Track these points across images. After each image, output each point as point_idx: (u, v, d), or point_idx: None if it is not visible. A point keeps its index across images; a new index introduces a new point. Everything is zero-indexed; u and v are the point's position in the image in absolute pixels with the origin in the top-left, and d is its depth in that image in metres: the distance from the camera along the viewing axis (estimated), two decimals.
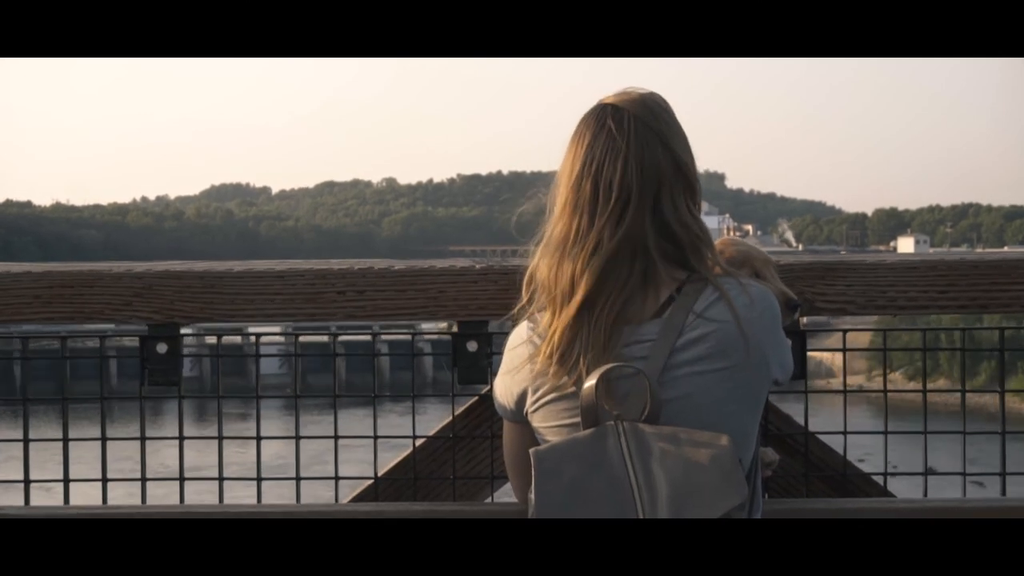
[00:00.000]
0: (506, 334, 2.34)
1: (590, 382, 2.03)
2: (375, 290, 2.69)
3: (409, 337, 2.88)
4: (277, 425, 2.73)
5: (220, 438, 2.71)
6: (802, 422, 2.72)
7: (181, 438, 2.73)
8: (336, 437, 2.72)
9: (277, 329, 2.88)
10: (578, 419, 2.06)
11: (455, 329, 2.70)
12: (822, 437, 2.73)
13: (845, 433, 2.69)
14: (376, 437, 2.70)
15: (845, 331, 2.76)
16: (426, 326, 3.10)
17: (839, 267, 2.67)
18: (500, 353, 2.35)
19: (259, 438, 2.72)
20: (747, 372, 2.09)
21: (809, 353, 2.64)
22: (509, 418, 2.27)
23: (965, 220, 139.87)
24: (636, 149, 2.12)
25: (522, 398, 2.19)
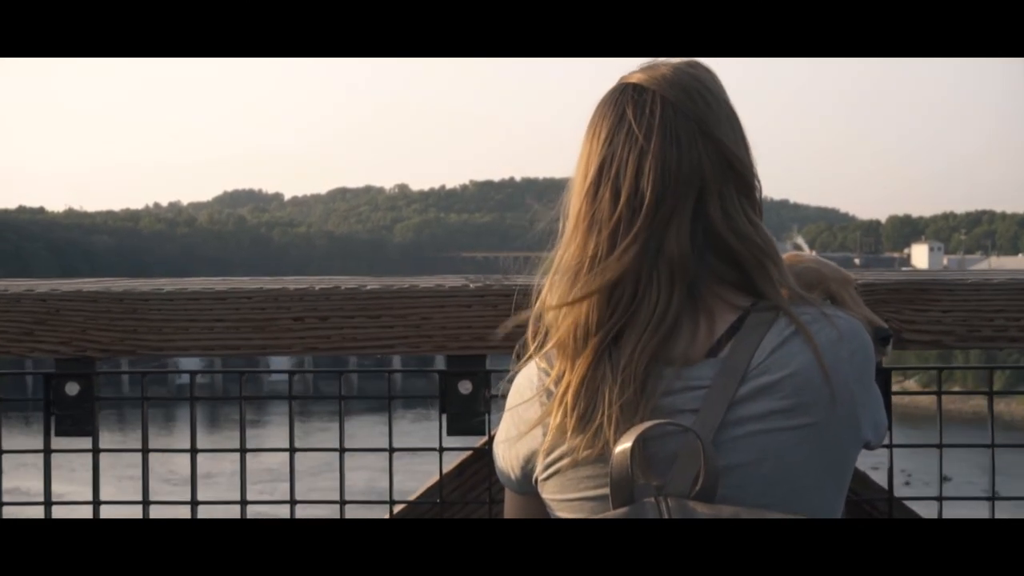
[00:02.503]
0: (506, 371, 1.84)
1: (623, 445, 1.54)
2: (342, 316, 2.12)
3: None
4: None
5: (145, 504, 2.13)
6: (883, 483, 2.14)
7: (100, 503, 2.16)
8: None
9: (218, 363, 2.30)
10: (605, 492, 1.57)
11: (443, 366, 2.14)
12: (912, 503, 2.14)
13: (941, 499, 2.12)
14: (342, 450, 2.12)
15: (940, 369, 2.18)
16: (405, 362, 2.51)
17: (933, 288, 2.10)
18: (500, 397, 1.87)
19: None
20: (832, 431, 1.61)
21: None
22: (513, 488, 1.77)
23: (979, 227, 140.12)
24: (665, 143, 1.66)
25: (530, 463, 1.71)
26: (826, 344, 1.62)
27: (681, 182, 1.65)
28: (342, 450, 2.14)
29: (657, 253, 1.63)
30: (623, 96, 1.70)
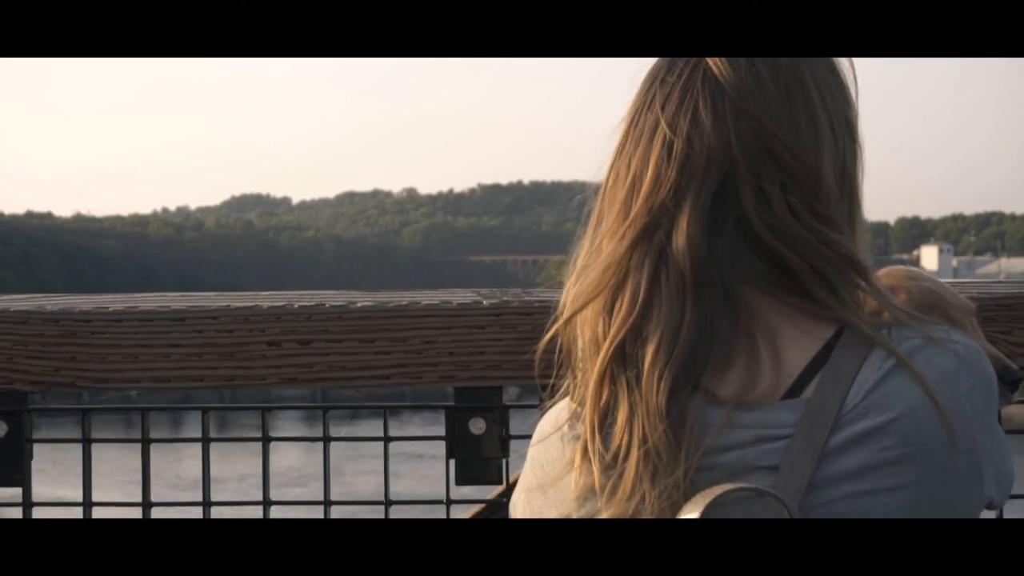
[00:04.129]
0: (527, 406, 1.58)
1: (690, 514, 1.21)
2: (327, 339, 1.74)
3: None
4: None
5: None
6: None
7: None
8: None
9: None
10: None
11: (451, 400, 1.76)
12: None
13: None
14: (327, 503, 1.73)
15: None
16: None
17: None
18: (520, 437, 1.65)
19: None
20: (950, 488, 1.28)
21: None
22: None
23: (988, 228, 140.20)
24: (678, 113, 1.36)
25: None
26: (939, 376, 1.27)
27: (692, 162, 1.34)
28: (327, 503, 1.75)
29: (662, 249, 1.33)
30: (658, 68, 1.41)
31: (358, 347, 1.74)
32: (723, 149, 1.33)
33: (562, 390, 1.40)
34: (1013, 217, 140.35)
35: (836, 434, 1.24)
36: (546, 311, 1.62)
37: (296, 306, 1.74)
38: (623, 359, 1.31)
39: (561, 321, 1.41)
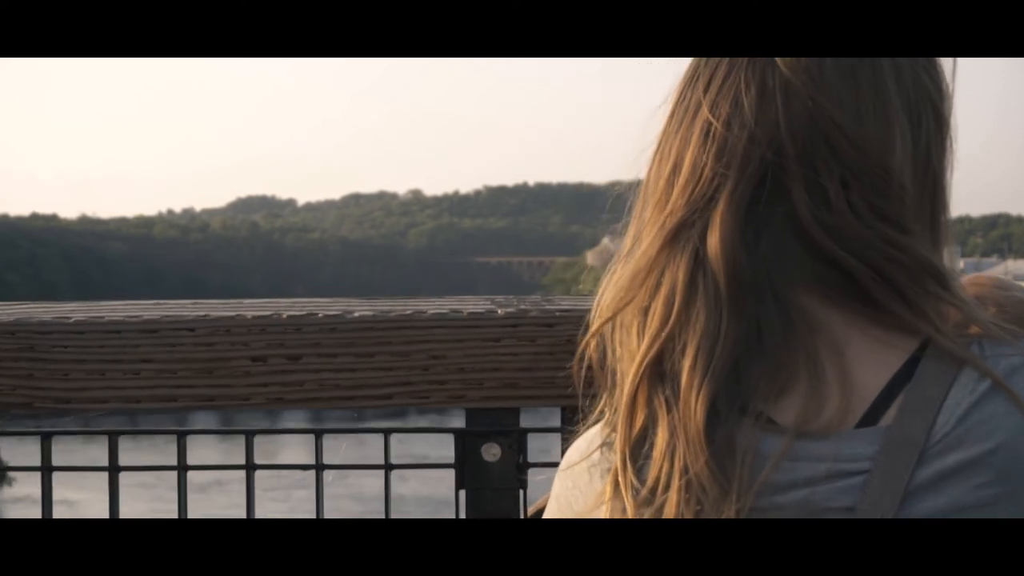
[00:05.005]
0: (548, 430, 1.46)
1: None
2: (320, 354, 1.52)
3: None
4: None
5: None
6: None
7: None
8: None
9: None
10: None
11: (462, 423, 1.55)
12: None
13: None
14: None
15: None
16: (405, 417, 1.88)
17: None
18: (540, 465, 1.49)
19: None
20: None
21: None
22: None
23: (995, 230, 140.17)
24: (720, 96, 1.18)
25: None
26: None
27: (730, 147, 1.15)
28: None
29: (697, 248, 1.14)
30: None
31: (355, 363, 1.52)
32: (769, 134, 1.14)
33: (595, 412, 1.20)
34: (1020, 219, 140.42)
35: (923, 468, 1.04)
36: (569, 321, 1.43)
37: (284, 316, 1.52)
38: (659, 375, 1.11)
39: (592, 331, 1.21)
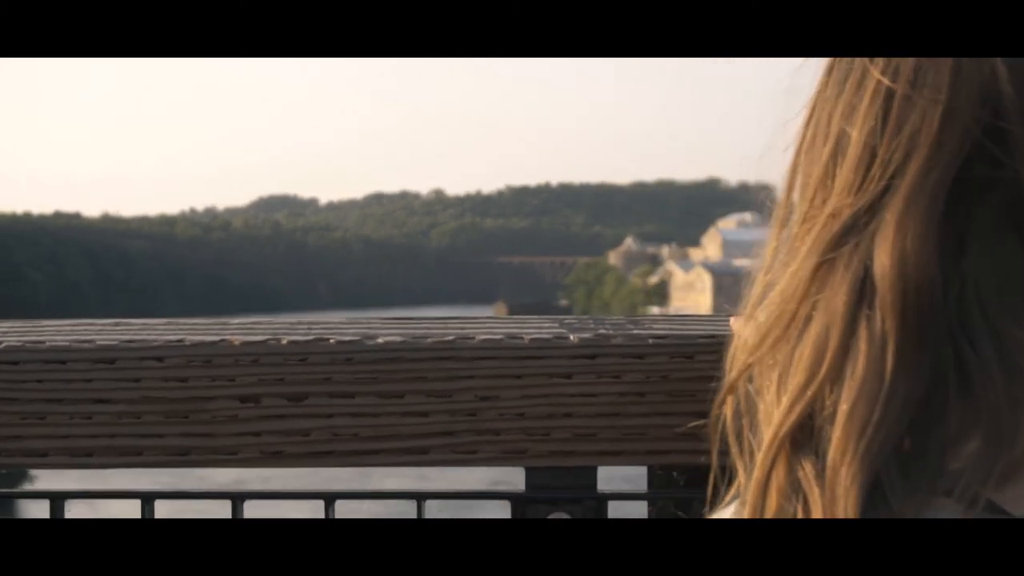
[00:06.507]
0: (634, 497, 1.15)
1: None
2: (331, 393, 1.13)
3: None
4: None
5: None
6: None
7: None
8: None
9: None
10: None
11: (521, 486, 1.16)
12: None
13: None
14: None
15: None
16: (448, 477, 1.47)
17: None
18: None
19: None
20: None
21: None
22: None
23: None
24: (900, 75, 0.81)
25: None
26: None
27: (916, 117, 0.79)
28: None
29: (867, 266, 0.79)
30: None
31: (379, 405, 1.13)
32: (978, 87, 0.78)
33: (731, 489, 0.89)
34: None
35: None
36: (666, 350, 1.04)
37: (285, 341, 1.13)
38: (803, 441, 0.79)
39: (729, 384, 0.84)
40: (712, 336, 1.14)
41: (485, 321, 1.21)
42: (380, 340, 1.14)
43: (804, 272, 0.81)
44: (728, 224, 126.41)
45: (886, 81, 0.80)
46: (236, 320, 1.21)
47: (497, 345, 1.13)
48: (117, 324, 1.20)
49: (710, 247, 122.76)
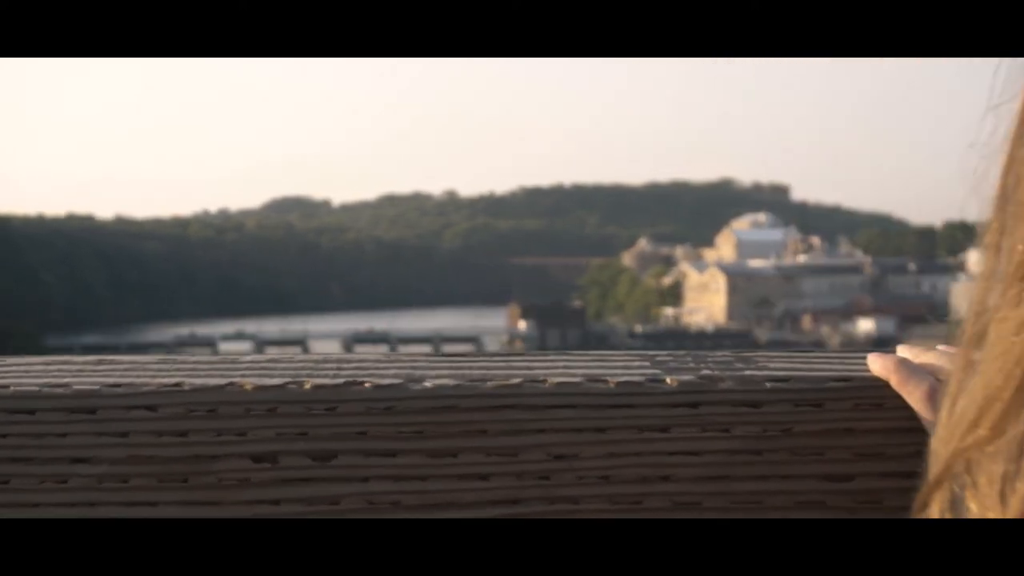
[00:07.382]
0: None
1: None
2: (367, 450, 0.90)
3: None
4: None
5: None
6: None
7: None
8: None
9: None
10: None
11: None
12: None
13: None
14: None
15: None
16: None
17: None
18: None
19: None
20: None
21: None
22: None
23: None
24: None
25: None
26: None
27: None
28: None
29: None
30: None
31: (427, 465, 0.90)
32: None
33: None
34: None
35: None
36: (789, 397, 0.81)
37: (308, 386, 0.90)
38: None
39: (936, 474, 0.60)
40: (846, 379, 0.91)
41: (558, 359, 0.97)
42: (427, 384, 0.91)
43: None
44: (742, 225, 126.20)
45: None
46: (247, 358, 0.98)
47: (575, 391, 0.90)
48: (99, 363, 0.97)
49: (724, 248, 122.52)
